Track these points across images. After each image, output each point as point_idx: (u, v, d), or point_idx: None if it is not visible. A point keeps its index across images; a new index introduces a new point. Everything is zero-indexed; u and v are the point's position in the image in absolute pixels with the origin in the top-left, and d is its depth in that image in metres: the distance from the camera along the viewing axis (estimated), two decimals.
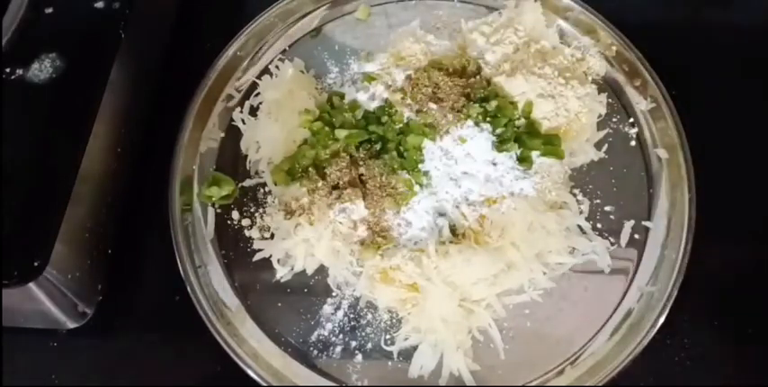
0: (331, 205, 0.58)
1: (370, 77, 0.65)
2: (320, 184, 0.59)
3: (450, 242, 0.58)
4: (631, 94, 0.66)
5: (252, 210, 0.61)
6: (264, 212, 0.61)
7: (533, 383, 0.55)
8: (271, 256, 0.59)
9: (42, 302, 0.53)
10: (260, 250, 0.59)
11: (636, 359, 0.54)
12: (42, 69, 0.57)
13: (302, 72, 0.66)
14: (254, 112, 0.65)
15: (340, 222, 0.58)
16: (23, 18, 0.58)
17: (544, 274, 0.58)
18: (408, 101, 0.62)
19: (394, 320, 0.57)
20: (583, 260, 0.59)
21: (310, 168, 0.60)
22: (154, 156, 0.64)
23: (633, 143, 0.64)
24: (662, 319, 0.55)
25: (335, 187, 0.59)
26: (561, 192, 0.61)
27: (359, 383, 0.55)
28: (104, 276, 0.60)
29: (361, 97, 0.64)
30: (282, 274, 0.59)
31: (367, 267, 0.57)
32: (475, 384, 0.55)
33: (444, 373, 0.55)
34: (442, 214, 0.59)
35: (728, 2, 0.73)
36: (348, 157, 0.60)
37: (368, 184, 0.59)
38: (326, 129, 0.62)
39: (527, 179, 0.60)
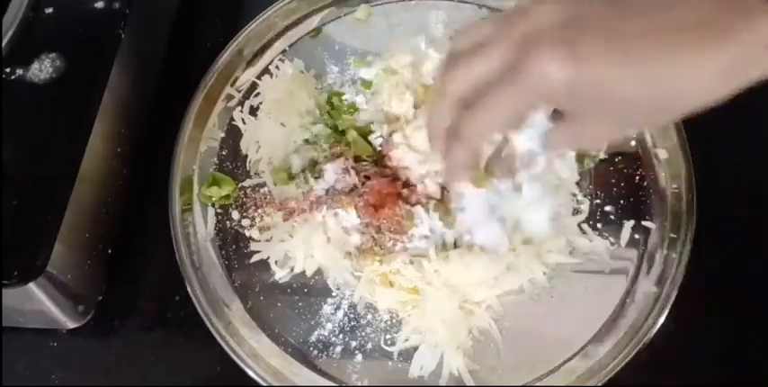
0: (319, 207, 0.58)
1: (367, 84, 0.65)
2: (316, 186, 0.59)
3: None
4: None
5: (252, 210, 0.61)
6: (264, 213, 0.61)
7: (533, 383, 0.55)
8: (268, 257, 0.59)
9: (42, 302, 0.53)
10: (258, 252, 0.59)
11: (636, 359, 0.54)
12: (42, 69, 0.57)
13: (302, 72, 0.66)
14: (254, 112, 0.65)
15: (330, 228, 0.58)
16: (23, 18, 0.58)
17: (544, 273, 0.58)
18: None
19: (394, 321, 0.57)
20: (583, 260, 0.59)
21: (306, 170, 0.60)
22: (154, 156, 0.64)
23: (633, 143, 0.64)
24: (662, 319, 0.55)
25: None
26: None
27: (359, 383, 0.55)
28: (104, 276, 0.60)
29: (360, 100, 0.64)
30: (281, 275, 0.59)
31: (366, 271, 0.57)
32: (475, 384, 0.55)
33: (444, 373, 0.55)
34: None
35: None
36: (346, 161, 0.60)
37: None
38: (327, 130, 0.62)
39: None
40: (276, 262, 0.59)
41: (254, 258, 0.59)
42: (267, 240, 0.60)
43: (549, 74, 0.37)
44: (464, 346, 0.55)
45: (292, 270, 0.59)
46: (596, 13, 0.38)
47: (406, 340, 0.56)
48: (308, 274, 0.59)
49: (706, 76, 0.37)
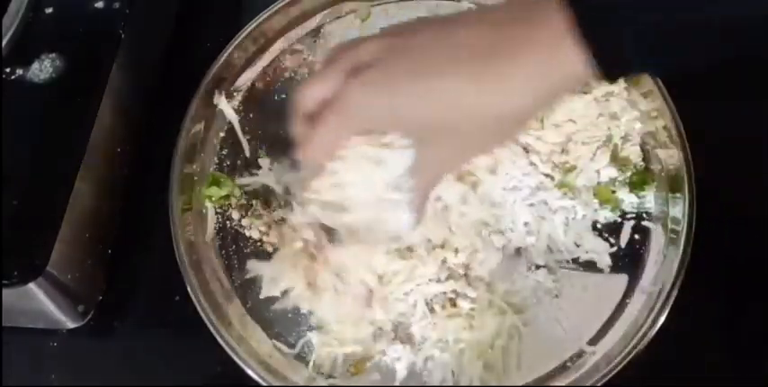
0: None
1: None
2: None
3: None
4: (631, 93, 0.65)
5: (252, 210, 0.61)
6: (256, 216, 0.61)
7: (533, 383, 0.55)
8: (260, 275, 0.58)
9: (42, 302, 0.53)
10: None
11: (636, 359, 0.54)
12: (42, 69, 0.57)
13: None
14: None
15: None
16: (23, 18, 0.58)
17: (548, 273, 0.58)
18: None
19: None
20: (583, 260, 0.59)
21: None
22: (154, 156, 0.64)
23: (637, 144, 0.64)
24: (662, 319, 0.55)
25: None
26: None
27: (359, 383, 0.55)
28: (104, 276, 0.60)
29: None
30: (268, 293, 0.57)
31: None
32: (476, 384, 0.55)
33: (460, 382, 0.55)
34: None
35: (730, 2, 0.73)
36: None
37: None
38: None
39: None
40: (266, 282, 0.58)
41: (249, 275, 0.59)
42: (260, 240, 0.60)
43: (354, 106, 0.45)
44: (485, 355, 0.55)
45: (284, 293, 0.58)
46: (400, 41, 0.45)
47: (430, 349, 0.55)
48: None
49: (481, 97, 0.42)
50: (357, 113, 0.45)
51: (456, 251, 0.57)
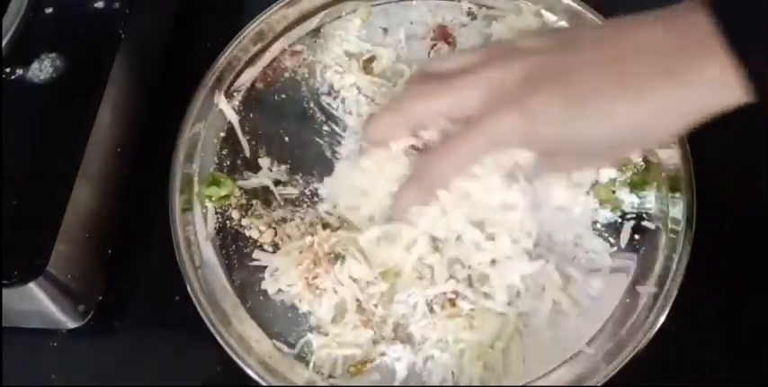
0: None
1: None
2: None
3: None
4: None
5: (252, 210, 0.61)
6: (255, 216, 0.61)
7: (533, 383, 0.55)
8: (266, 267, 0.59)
9: (42, 302, 0.53)
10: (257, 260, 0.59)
11: (636, 359, 0.54)
12: (42, 69, 0.57)
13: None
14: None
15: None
16: (23, 18, 0.58)
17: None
18: None
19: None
20: (583, 260, 0.59)
21: None
22: (154, 156, 0.64)
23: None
24: (662, 319, 0.55)
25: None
26: None
27: (358, 383, 0.55)
28: (104, 276, 0.60)
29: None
30: (268, 288, 0.58)
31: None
32: (475, 384, 0.55)
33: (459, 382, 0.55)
34: None
35: None
36: None
37: None
38: None
39: None
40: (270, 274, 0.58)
41: (253, 263, 0.59)
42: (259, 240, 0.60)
43: (505, 131, 0.44)
44: (485, 355, 0.55)
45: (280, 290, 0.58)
46: (554, 63, 0.44)
47: (430, 349, 0.55)
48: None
49: (649, 118, 0.44)
50: (507, 139, 0.45)
51: None
